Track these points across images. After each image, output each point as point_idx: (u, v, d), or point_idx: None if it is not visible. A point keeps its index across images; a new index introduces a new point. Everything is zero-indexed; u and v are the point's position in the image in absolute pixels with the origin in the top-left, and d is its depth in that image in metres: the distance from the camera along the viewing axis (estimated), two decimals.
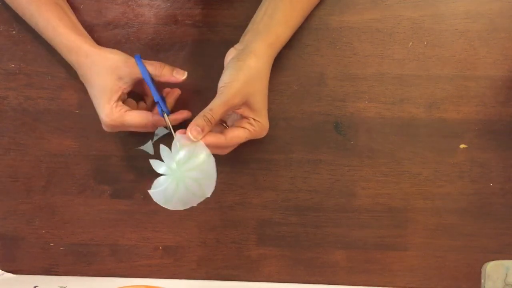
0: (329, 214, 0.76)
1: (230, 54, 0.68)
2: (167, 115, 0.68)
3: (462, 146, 0.74)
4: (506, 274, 0.63)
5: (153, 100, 0.70)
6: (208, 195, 0.64)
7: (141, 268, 0.78)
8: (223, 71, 0.66)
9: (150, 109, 0.73)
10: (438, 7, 0.73)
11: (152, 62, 0.69)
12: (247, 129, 0.66)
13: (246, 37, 0.68)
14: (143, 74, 0.68)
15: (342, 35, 0.74)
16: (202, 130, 0.62)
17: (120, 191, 0.77)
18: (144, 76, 0.68)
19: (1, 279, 0.78)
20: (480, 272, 0.64)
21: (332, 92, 0.74)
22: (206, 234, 0.77)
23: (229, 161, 0.76)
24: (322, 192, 0.76)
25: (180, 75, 0.69)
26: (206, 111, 0.63)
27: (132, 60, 0.68)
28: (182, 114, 0.71)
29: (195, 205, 0.64)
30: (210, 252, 0.77)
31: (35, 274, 0.78)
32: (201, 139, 0.62)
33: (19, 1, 0.70)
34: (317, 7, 0.73)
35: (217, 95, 0.64)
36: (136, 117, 0.68)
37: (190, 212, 0.77)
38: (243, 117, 0.67)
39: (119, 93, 0.68)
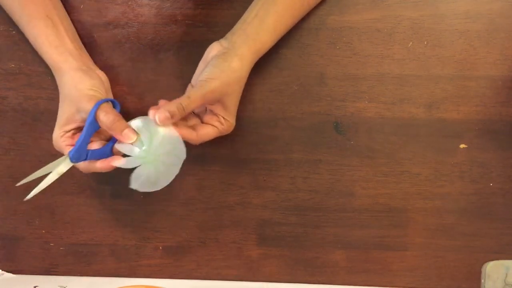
0: (329, 214, 0.76)
1: (214, 48, 0.69)
2: (72, 161, 0.67)
3: (462, 146, 0.74)
4: (506, 274, 0.63)
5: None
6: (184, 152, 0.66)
7: (141, 268, 0.78)
8: (207, 65, 0.66)
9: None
10: (438, 7, 0.73)
11: (111, 111, 0.66)
12: (216, 127, 0.68)
13: (234, 37, 0.69)
14: (88, 118, 0.65)
15: (342, 35, 0.74)
16: (172, 117, 0.63)
17: (120, 191, 0.77)
18: (87, 120, 0.65)
19: (1, 279, 0.78)
20: (480, 272, 0.64)
21: (332, 92, 0.74)
22: (206, 234, 0.77)
23: (229, 161, 0.76)
24: (322, 192, 0.76)
25: (128, 138, 0.65)
26: (183, 98, 0.64)
27: (97, 99, 0.66)
28: (110, 162, 0.67)
29: (178, 169, 0.66)
30: (210, 252, 0.78)
31: (35, 274, 0.78)
32: (171, 125, 0.65)
33: (13, 13, 0.71)
34: (317, 7, 0.73)
35: (196, 87, 0.65)
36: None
37: (190, 212, 0.77)
38: (213, 113, 0.68)
39: (73, 125, 0.67)
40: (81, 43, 0.73)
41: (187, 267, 0.78)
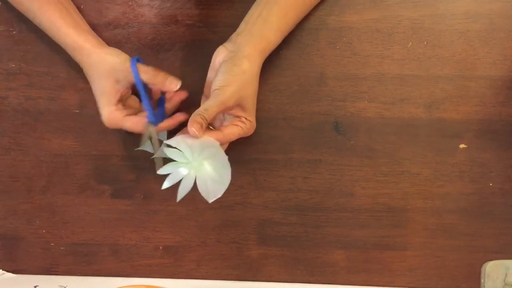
0: (329, 214, 0.76)
1: (220, 53, 0.69)
2: (155, 125, 0.68)
3: (462, 146, 0.74)
4: (506, 274, 0.63)
5: (155, 100, 0.71)
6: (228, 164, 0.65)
7: (141, 268, 0.78)
8: (217, 72, 0.66)
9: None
10: (438, 7, 0.73)
11: (147, 69, 0.69)
12: (240, 126, 0.68)
13: (239, 38, 0.69)
14: (136, 80, 0.68)
15: (342, 35, 0.74)
16: (201, 127, 0.64)
17: (120, 191, 0.77)
18: (136, 82, 0.68)
19: (1, 279, 0.78)
20: (479, 272, 0.64)
21: (332, 92, 0.75)
22: (206, 234, 0.77)
23: (229, 161, 0.76)
24: (322, 192, 0.76)
25: (173, 85, 0.69)
26: (201, 110, 0.64)
27: (127, 62, 0.69)
28: (178, 118, 0.71)
29: (229, 178, 0.65)
30: (210, 252, 0.78)
31: (35, 274, 0.78)
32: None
33: (21, 3, 0.71)
34: (317, 7, 0.73)
35: (211, 96, 0.65)
36: (132, 125, 0.69)
37: (190, 212, 0.77)
38: (235, 116, 0.68)
39: (118, 95, 0.69)
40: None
41: (187, 267, 0.78)
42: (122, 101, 0.70)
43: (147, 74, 0.68)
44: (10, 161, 0.77)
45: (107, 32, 0.75)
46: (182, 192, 0.65)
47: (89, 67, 0.70)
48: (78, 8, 0.74)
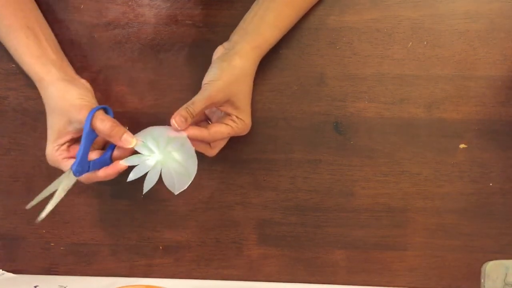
0: (329, 214, 0.76)
1: (218, 52, 0.69)
2: (76, 175, 0.65)
3: (462, 146, 0.74)
4: (506, 274, 0.63)
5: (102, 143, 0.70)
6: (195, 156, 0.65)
7: (141, 268, 0.78)
8: (209, 68, 0.67)
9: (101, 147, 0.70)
10: (437, 7, 0.73)
11: (106, 118, 0.65)
12: (230, 125, 0.68)
13: (235, 37, 0.69)
14: (84, 127, 0.64)
15: (342, 35, 0.74)
16: (186, 120, 0.64)
17: (120, 191, 0.77)
18: (84, 129, 0.64)
19: (1, 279, 0.78)
20: (479, 272, 0.64)
21: (332, 92, 0.74)
22: (206, 234, 0.77)
23: (229, 161, 0.76)
24: (322, 192, 0.76)
25: (127, 143, 0.65)
26: (188, 104, 0.65)
27: (88, 108, 0.65)
28: (118, 168, 0.66)
29: (195, 169, 0.65)
30: (210, 252, 0.78)
31: (35, 274, 0.78)
32: (184, 129, 0.64)
33: None
34: (317, 7, 0.73)
35: (200, 91, 0.66)
36: (68, 168, 0.66)
37: (190, 212, 0.77)
38: (226, 114, 0.68)
39: (67, 137, 0.67)
40: (63, 53, 0.71)
41: (187, 267, 0.78)
42: (72, 141, 0.68)
43: (103, 124, 0.64)
44: (10, 161, 0.77)
45: (107, 32, 0.74)
46: (147, 185, 0.65)
47: (45, 99, 0.67)
48: (78, 8, 0.74)
